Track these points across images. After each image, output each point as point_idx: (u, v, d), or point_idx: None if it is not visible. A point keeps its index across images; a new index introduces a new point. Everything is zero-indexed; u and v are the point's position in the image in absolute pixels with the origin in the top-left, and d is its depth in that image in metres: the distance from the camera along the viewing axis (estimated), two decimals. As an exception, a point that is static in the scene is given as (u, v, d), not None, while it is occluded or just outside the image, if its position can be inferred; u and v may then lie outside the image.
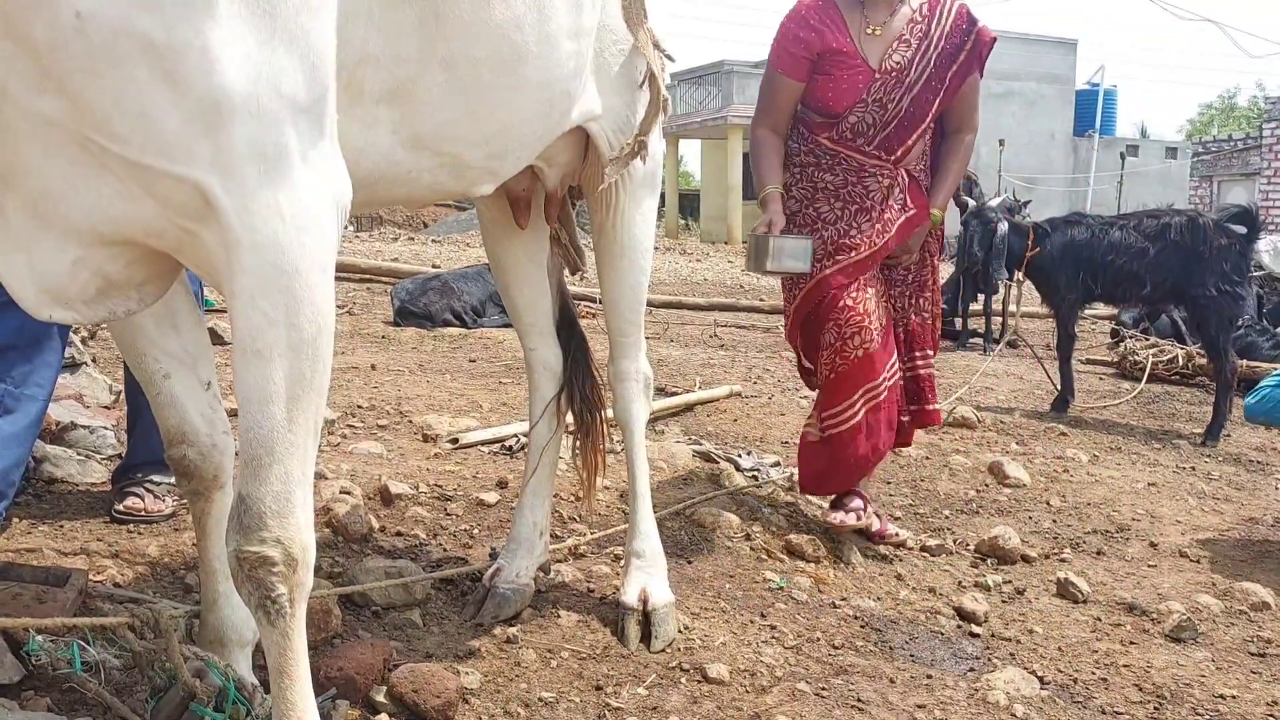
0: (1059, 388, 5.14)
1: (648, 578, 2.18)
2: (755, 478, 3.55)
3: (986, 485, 3.77)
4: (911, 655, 2.28)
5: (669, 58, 2.01)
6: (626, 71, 1.95)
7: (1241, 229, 4.70)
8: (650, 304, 9.46)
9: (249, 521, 1.26)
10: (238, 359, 1.23)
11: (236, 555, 1.27)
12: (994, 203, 7.07)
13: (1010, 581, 2.86)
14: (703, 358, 6.18)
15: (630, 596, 2.15)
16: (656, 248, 22.32)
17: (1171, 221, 4.77)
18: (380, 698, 1.78)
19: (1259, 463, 4.34)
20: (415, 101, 1.45)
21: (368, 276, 9.08)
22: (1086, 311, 6.29)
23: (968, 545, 3.13)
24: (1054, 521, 3.42)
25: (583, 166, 2.07)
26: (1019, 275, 5.22)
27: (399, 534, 2.66)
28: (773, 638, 2.25)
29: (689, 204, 32.47)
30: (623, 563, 2.30)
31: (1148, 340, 6.45)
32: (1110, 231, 4.87)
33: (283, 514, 1.26)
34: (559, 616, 2.21)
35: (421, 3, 1.39)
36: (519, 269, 2.25)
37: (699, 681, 2.01)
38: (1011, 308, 6.89)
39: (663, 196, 32.54)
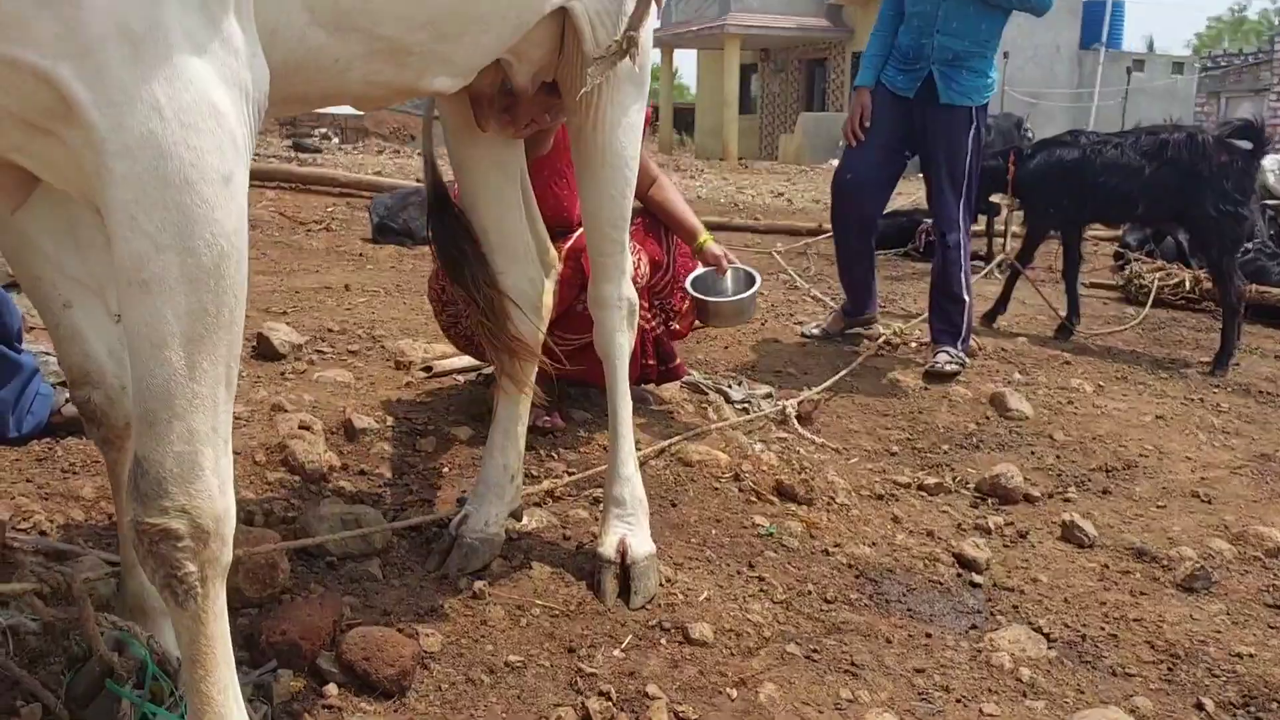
0: (1062, 314, 4.95)
1: (627, 528, 2.01)
2: (746, 410, 3.37)
3: (987, 418, 3.60)
4: (909, 609, 2.13)
5: None
6: None
7: (1246, 144, 4.42)
8: (641, 221, 9.22)
9: (147, 488, 1.06)
10: (121, 292, 1.01)
11: (136, 527, 1.08)
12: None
13: (1012, 523, 2.71)
14: (694, 279, 5.95)
15: (608, 548, 1.98)
16: (649, 162, 21.90)
17: (1169, 139, 4.47)
18: (328, 665, 1.61)
19: (1269, 394, 4.17)
20: None
21: (348, 190, 8.75)
22: (1088, 233, 6.08)
23: (967, 484, 2.97)
24: (1058, 457, 3.26)
25: (559, 60, 1.81)
26: (1007, 198, 5.05)
27: (362, 472, 2.48)
28: (761, 590, 2.09)
29: (684, 119, 31.68)
30: (601, 509, 2.12)
31: (1153, 263, 6.23)
32: (1104, 150, 4.63)
33: (187, 479, 1.07)
34: (530, 568, 2.05)
35: None
36: (485, 181, 2.01)
37: (680, 643, 1.85)
38: (1007, 229, 6.71)
39: (657, 110, 31.76)
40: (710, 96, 27.40)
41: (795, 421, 3.29)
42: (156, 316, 1.01)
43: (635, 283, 2.76)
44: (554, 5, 1.62)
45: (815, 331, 4.17)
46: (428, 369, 3.41)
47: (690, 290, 2.91)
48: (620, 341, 2.03)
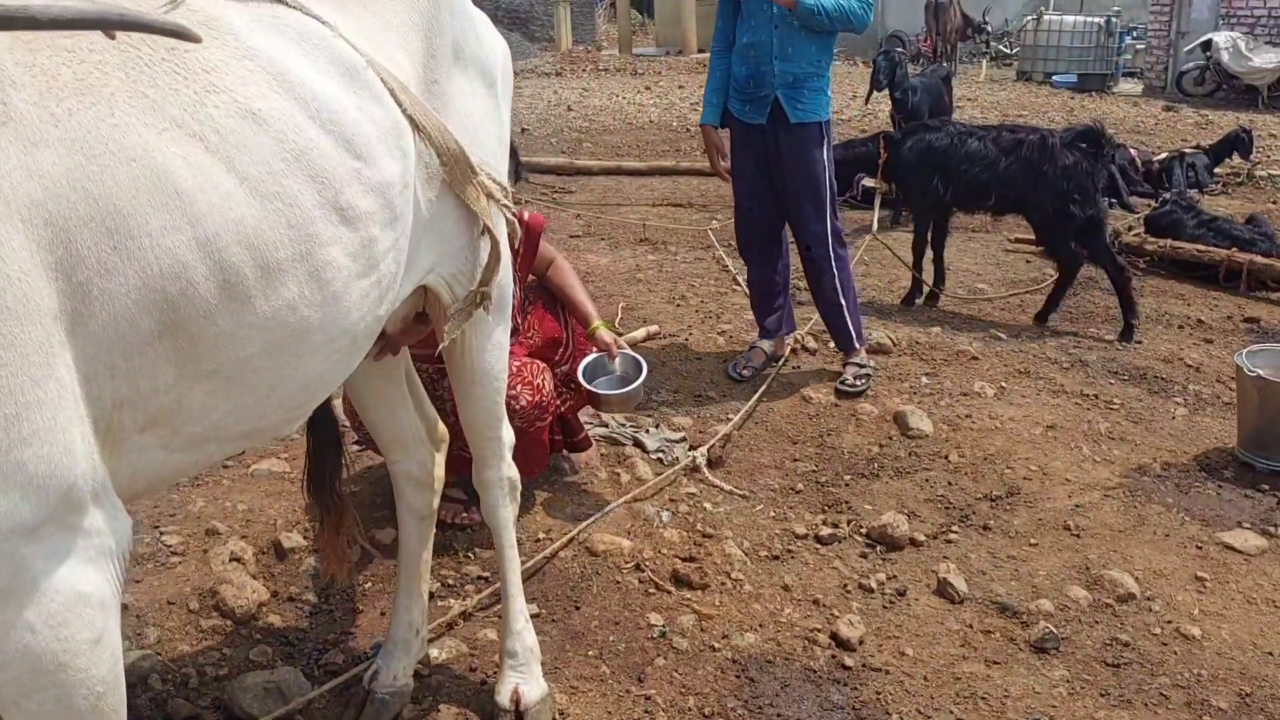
0: (930, 284, 5.39)
1: (520, 677, 2.26)
2: (661, 460, 3.61)
3: (890, 438, 3.85)
4: (779, 715, 2.41)
5: (506, 205, 1.90)
6: (462, 220, 1.83)
7: (1089, 147, 4.85)
8: (588, 171, 9.24)
9: None
10: None
11: None
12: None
13: (895, 578, 2.98)
14: (630, 264, 6.09)
15: (503, 697, 2.24)
16: (604, 70, 20.86)
17: (1024, 139, 4.93)
18: None
19: (1163, 379, 4.42)
20: (184, 416, 1.32)
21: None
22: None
23: (860, 528, 3.23)
24: (949, 484, 3.52)
25: (425, 302, 1.98)
26: (879, 182, 5.51)
27: (290, 599, 2.72)
28: (645, 713, 2.37)
29: (643, -1, 30.77)
30: (498, 658, 2.37)
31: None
32: (968, 141, 5.04)
33: None
34: (439, 711, 2.32)
35: (170, 336, 1.24)
36: (371, 389, 2.20)
37: (565, 791, 2.13)
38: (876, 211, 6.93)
39: (613, -3, 30.46)
40: (667, -21, 26.58)
41: (705, 470, 3.53)
42: None
43: (521, 400, 2.94)
44: (411, 288, 1.78)
45: (746, 375, 4.32)
46: (360, 444, 3.61)
47: (581, 380, 3.12)
48: (505, 515, 2.25)
